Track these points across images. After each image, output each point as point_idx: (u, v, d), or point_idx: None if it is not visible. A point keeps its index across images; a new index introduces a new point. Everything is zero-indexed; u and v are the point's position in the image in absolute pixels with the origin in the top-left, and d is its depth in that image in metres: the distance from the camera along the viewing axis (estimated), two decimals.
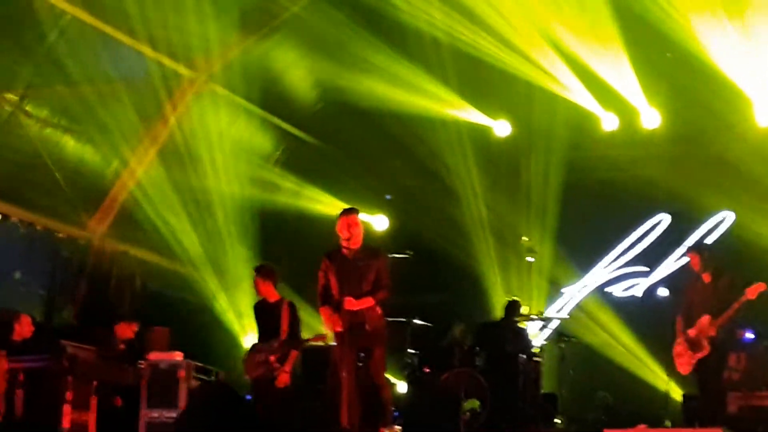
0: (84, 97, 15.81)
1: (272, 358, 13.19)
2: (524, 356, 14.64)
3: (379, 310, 11.75)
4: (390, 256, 13.43)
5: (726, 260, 14.27)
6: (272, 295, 13.54)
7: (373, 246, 12.31)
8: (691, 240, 16.55)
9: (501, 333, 15.28)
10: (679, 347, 13.25)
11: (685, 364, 13.17)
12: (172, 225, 17.21)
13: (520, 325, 15.55)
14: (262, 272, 13.58)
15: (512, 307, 15.67)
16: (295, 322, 13.41)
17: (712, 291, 13.08)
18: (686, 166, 16.65)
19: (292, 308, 13.48)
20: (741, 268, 14.09)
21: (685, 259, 14.03)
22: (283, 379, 13.17)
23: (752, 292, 12.60)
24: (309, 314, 14.09)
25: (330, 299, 11.63)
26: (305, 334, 13.69)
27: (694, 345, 13.01)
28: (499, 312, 17.04)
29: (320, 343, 14.11)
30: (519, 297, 16.60)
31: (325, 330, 12.45)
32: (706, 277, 13.24)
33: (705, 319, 12.89)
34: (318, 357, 14.56)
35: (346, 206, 12.90)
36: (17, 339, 14.17)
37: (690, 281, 13.64)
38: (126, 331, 15.66)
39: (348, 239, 11.68)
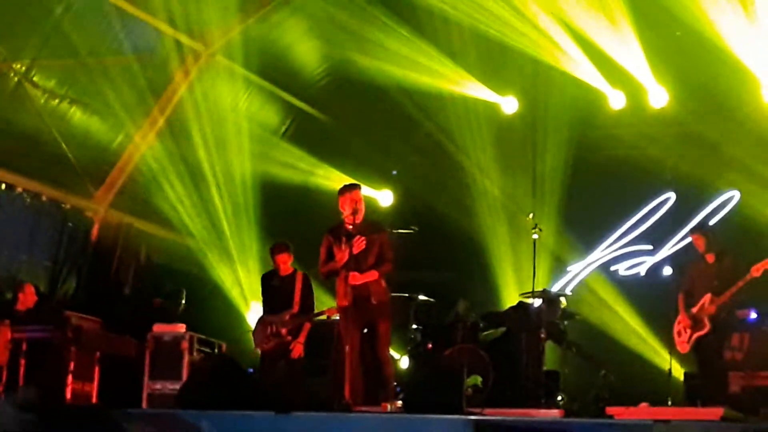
0: (91, 68, 15.81)
1: (284, 330, 13.24)
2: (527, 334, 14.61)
3: (383, 283, 11.84)
4: (395, 231, 13.44)
5: (731, 239, 14.30)
6: (289, 268, 13.61)
7: (374, 220, 12.35)
8: (696, 219, 16.51)
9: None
10: (679, 326, 13.29)
11: (683, 342, 13.22)
12: (178, 198, 17.23)
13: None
14: (288, 248, 13.66)
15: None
16: (308, 294, 13.50)
17: (716, 271, 13.13)
18: (693, 145, 16.63)
19: (306, 280, 13.56)
20: (746, 247, 14.11)
21: (690, 239, 14.02)
22: (298, 350, 13.24)
23: (757, 269, 12.62)
24: (315, 289, 14.07)
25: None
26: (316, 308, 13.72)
27: (694, 323, 13.05)
28: (505, 289, 17.20)
29: (334, 317, 14.11)
30: (524, 273, 16.63)
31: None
32: (710, 258, 13.28)
33: (706, 297, 12.93)
34: (322, 332, 14.58)
35: (350, 182, 12.95)
36: (21, 309, 14.23)
37: (693, 261, 13.66)
38: None
39: (354, 214, 11.74)
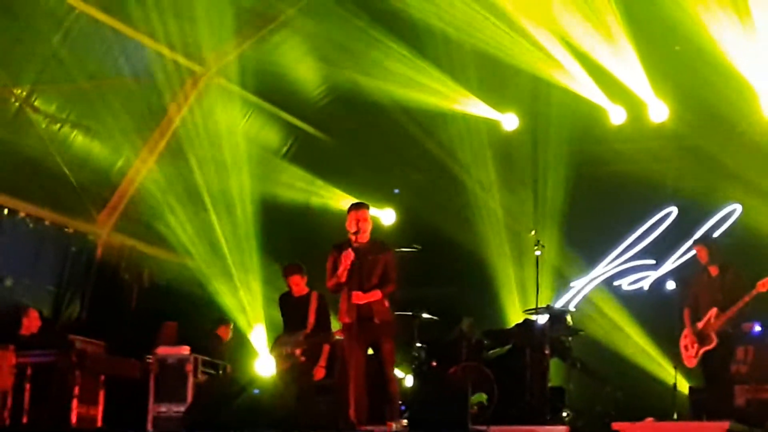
0: (91, 92, 15.83)
1: (298, 351, 13.23)
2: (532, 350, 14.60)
3: (386, 303, 11.78)
4: (398, 250, 13.41)
5: (734, 253, 14.27)
6: (303, 288, 13.61)
7: (380, 240, 12.30)
8: (699, 233, 16.52)
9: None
10: (686, 340, 13.27)
11: (691, 357, 13.20)
12: (180, 220, 17.26)
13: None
14: (301, 270, 13.65)
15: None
16: (323, 314, 13.46)
17: (719, 285, 13.11)
18: (694, 159, 16.62)
19: (321, 300, 13.53)
20: (749, 261, 14.09)
21: (693, 252, 14.02)
22: (320, 374, 13.20)
23: (764, 284, 12.61)
24: None
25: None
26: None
27: (701, 338, 13.03)
28: (508, 306, 17.19)
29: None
30: (527, 289, 16.63)
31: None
32: (713, 270, 13.27)
33: (713, 311, 12.92)
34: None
35: (355, 200, 12.96)
36: (25, 333, 14.23)
37: (696, 274, 13.66)
38: (226, 332, 15.87)
39: (356, 233, 11.73)
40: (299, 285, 13.63)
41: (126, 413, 14.20)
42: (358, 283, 11.61)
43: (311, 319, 13.36)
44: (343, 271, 11.59)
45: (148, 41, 15.94)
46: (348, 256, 11.55)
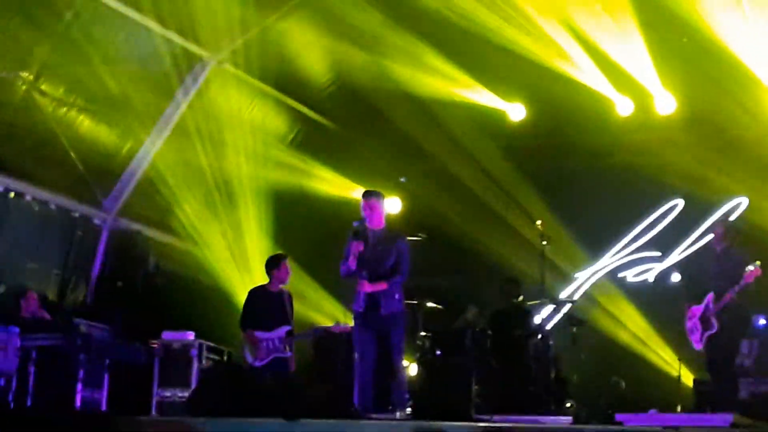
0: (99, 76, 15.83)
1: (285, 347, 13.23)
2: (534, 338, 14.63)
3: (396, 295, 11.74)
4: None
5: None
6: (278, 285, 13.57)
7: (395, 230, 12.22)
8: (704, 226, 16.55)
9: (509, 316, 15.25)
10: (690, 323, 13.20)
11: (698, 340, 13.13)
12: (186, 205, 17.28)
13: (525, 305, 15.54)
14: (278, 264, 13.60)
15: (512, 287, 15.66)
16: (292, 311, 13.48)
17: (724, 261, 12.96)
18: (700, 151, 16.60)
19: (290, 298, 13.54)
20: (754, 255, 14.05)
21: (699, 244, 13.99)
22: (292, 364, 13.25)
23: (750, 275, 12.46)
24: (320, 295, 14.07)
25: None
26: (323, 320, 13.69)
27: (703, 322, 12.97)
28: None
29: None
30: (533, 280, 16.60)
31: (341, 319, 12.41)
32: (719, 247, 13.15)
33: (710, 296, 12.84)
34: (329, 340, 14.56)
35: (362, 188, 12.96)
36: (27, 316, 14.23)
37: (706, 261, 13.62)
38: None
39: (362, 221, 11.73)
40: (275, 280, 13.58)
41: (130, 397, 14.25)
42: (367, 271, 11.62)
43: (289, 315, 13.36)
44: (353, 260, 11.59)
45: (158, 26, 15.92)
46: (357, 246, 11.55)
